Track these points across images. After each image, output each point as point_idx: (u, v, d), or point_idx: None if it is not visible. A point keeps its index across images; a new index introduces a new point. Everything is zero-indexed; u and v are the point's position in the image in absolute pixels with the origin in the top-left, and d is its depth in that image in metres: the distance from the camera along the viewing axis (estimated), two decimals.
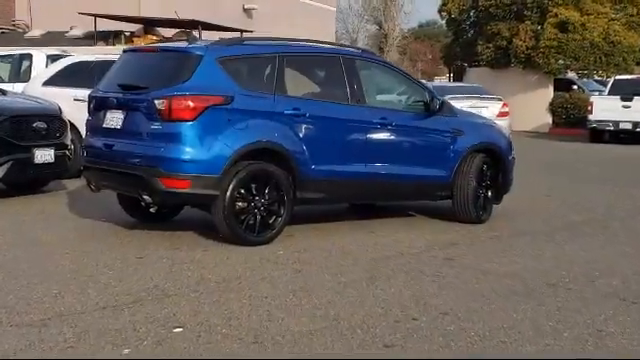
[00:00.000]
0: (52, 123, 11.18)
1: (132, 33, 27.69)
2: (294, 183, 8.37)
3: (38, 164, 10.90)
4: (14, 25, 33.80)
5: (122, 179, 8.18)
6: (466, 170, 9.47)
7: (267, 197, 8.15)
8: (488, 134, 9.92)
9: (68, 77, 13.63)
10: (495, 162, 9.86)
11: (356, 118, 8.76)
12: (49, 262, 7.28)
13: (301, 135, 8.36)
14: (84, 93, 12.07)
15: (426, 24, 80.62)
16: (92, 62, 13.68)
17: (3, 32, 32.03)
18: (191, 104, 7.79)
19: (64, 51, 17.72)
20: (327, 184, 8.58)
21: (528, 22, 31.45)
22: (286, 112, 8.30)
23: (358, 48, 9.91)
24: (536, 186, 13.36)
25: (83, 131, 12.32)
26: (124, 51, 9.05)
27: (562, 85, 33.00)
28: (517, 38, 31.23)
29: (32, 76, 15.83)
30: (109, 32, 26.62)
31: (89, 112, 8.82)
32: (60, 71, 13.85)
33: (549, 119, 31.46)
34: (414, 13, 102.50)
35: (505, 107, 21.31)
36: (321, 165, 8.49)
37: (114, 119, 8.31)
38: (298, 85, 8.83)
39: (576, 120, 29.85)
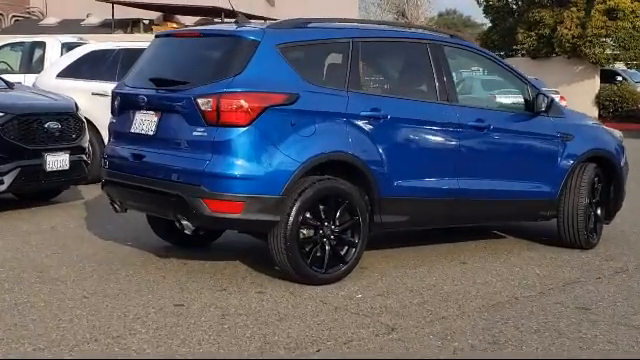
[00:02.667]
0: (67, 122, 9.44)
1: (151, 21, 26.30)
2: (371, 204, 6.59)
3: (50, 172, 9.17)
4: (28, 13, 32.34)
5: (155, 199, 6.41)
6: (576, 184, 7.64)
7: (338, 222, 6.39)
8: (599, 138, 8.09)
9: (86, 68, 11.92)
10: (607, 172, 8.03)
11: (447, 120, 6.97)
12: (60, 312, 5.54)
13: (380, 143, 6.59)
14: (104, 87, 10.91)
15: (446, 13, 78.56)
16: (114, 51, 11.95)
17: (17, 20, 30.57)
18: (245, 104, 6.01)
19: (81, 38, 16.00)
20: (412, 204, 6.80)
21: (574, 9, 29.50)
22: (362, 114, 6.52)
23: (445, 32, 8.03)
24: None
25: (103, 131, 10.92)
26: (156, 36, 7.26)
27: (605, 76, 31.04)
28: (562, 26, 29.32)
29: (45, 67, 14.08)
30: (127, 20, 25.09)
31: (113, 112, 7.04)
32: (77, 61, 12.10)
33: (595, 113, 29.50)
34: (435, 2, 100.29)
35: (563, 101, 19.45)
36: (405, 180, 6.70)
37: (145, 123, 6.54)
38: (376, 79, 7.04)
39: (625, 114, 27.91)
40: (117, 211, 7.01)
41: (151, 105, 6.51)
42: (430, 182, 6.87)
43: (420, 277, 6.65)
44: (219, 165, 6.03)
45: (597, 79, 30.19)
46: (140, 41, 12.26)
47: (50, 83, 11.63)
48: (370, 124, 6.56)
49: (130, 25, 25.78)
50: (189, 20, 25.74)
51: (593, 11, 28.75)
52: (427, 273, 6.77)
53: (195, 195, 6.07)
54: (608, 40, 28.78)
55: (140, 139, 6.58)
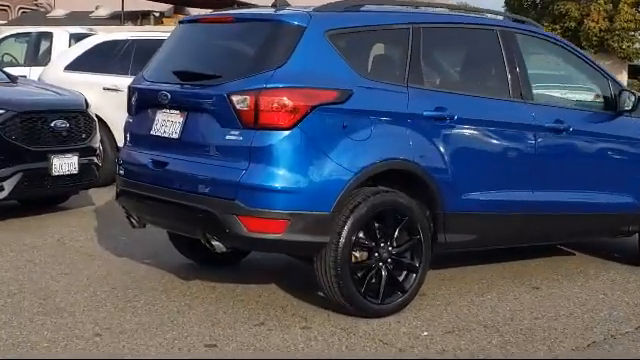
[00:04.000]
0: (76, 121, 8.44)
1: (162, 13, 25.40)
2: (434, 221, 5.57)
3: (57, 176, 8.17)
4: (36, 4, 31.44)
5: (180, 215, 5.41)
6: None
7: (396, 243, 5.38)
8: None
9: (96, 60, 10.87)
10: None
11: (522, 121, 5.95)
12: (67, 354, 4.52)
13: (446, 148, 5.58)
14: (117, 81, 10.06)
15: (457, 6, 77.42)
16: (127, 41, 10.95)
17: (25, 12, 29.69)
18: (289, 103, 5.00)
19: (91, 29, 14.98)
20: (481, 220, 5.79)
21: (601, 1, 28.40)
22: (425, 113, 5.50)
23: (515, 17, 6.98)
24: None
25: (115, 131, 9.98)
26: (180, 22, 6.23)
27: (633, 71, 29.97)
28: (588, 19, 28.26)
29: (52, 59, 13.08)
30: (137, 12, 24.19)
31: (129, 111, 6.04)
32: (86, 52, 11.06)
33: None
34: None
35: None
36: (474, 192, 5.70)
37: (168, 124, 5.54)
38: (440, 72, 6.01)
39: None
40: (134, 227, 6.00)
41: (175, 103, 5.50)
42: (502, 194, 5.85)
43: (491, 307, 5.63)
44: (257, 176, 5.02)
45: (625, 74, 29.11)
46: (155, 31, 11.20)
47: (57, 77, 10.61)
48: (434, 126, 5.55)
49: (140, 17, 24.87)
50: (200, 13, 24.72)
51: (621, 4, 27.67)
52: (498, 302, 5.75)
53: (228, 211, 5.06)
54: (637, 34, 27.67)
55: (162, 143, 5.58)
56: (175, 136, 5.47)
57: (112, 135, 10.34)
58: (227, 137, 5.15)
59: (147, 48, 10.55)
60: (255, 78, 5.12)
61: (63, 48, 13.44)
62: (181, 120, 5.46)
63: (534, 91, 6.09)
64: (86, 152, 8.49)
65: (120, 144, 10.36)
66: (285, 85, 5.08)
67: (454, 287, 6.07)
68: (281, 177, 5.02)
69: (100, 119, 9.39)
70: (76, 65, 10.93)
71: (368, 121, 5.27)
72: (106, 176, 9.38)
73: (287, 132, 5.02)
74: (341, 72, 5.27)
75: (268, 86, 5.05)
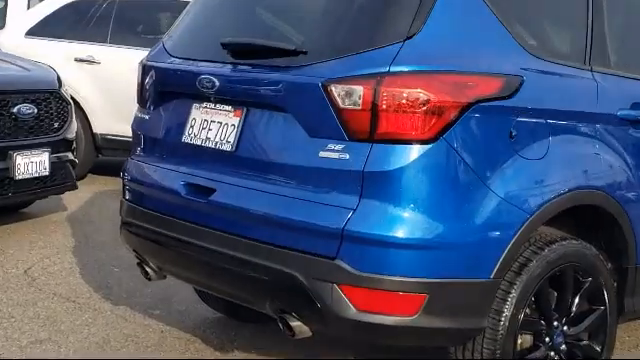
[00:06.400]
0: (46, 105, 6.33)
1: None
2: (620, 279, 3.61)
3: (22, 180, 6.00)
4: None
5: (235, 275, 3.35)
6: None
7: (574, 317, 3.38)
8: None
9: (66, 23, 8.76)
10: None
11: None
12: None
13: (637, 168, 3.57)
14: (92, 50, 8.41)
15: None
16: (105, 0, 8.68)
17: None
18: (430, 97, 3.00)
19: None
20: None
21: None
22: (620, 114, 3.51)
23: None
24: None
25: (91, 112, 8.21)
26: None
27: None
28: None
29: (7, 22, 10.76)
30: None
31: (142, 102, 3.97)
32: (54, 13, 8.84)
33: None
34: None
35: None
36: None
37: (214, 126, 3.50)
38: (630, 47, 3.96)
39: None
40: (148, 278, 3.92)
41: (227, 94, 3.45)
42: None
43: None
44: (375, 220, 3.02)
45: None
46: None
47: (16, 44, 8.47)
48: (627, 133, 3.55)
49: None
50: None
51: None
52: None
53: (323, 276, 3.08)
54: None
55: (203, 156, 3.53)
56: (227, 147, 3.42)
57: (87, 120, 8.23)
58: (321, 154, 3.11)
59: (133, 9, 8.57)
60: (369, 56, 3.10)
61: (22, 8, 11.12)
62: (237, 122, 3.41)
63: None
64: (59, 147, 6.43)
65: (98, 130, 8.49)
66: (421, 68, 3.07)
67: None
68: (416, 223, 3.01)
69: (72, 99, 7.21)
70: (40, 29, 8.77)
71: (543, 127, 3.28)
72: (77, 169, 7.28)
73: (425, 147, 3.01)
74: (502, 46, 3.25)
75: (393, 70, 3.03)
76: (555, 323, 3.40)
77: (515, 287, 3.19)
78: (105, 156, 8.80)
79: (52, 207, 7.14)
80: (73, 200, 7.28)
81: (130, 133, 7.50)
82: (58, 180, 6.44)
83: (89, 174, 8.45)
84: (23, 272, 5.39)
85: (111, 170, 8.81)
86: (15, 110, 6.01)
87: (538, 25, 3.53)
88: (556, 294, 3.42)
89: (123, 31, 8.54)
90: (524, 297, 3.22)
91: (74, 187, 6.66)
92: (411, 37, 3.10)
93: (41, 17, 8.88)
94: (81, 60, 8.41)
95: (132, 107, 8.02)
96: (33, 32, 8.78)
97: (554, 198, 3.23)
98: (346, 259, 3.03)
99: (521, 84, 3.19)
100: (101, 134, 8.40)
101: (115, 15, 8.54)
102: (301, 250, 3.13)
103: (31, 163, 6.09)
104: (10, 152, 5.96)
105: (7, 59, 6.79)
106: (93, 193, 7.81)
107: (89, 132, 8.29)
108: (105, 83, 8.29)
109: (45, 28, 8.75)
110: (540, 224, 3.24)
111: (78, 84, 8.12)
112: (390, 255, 3.02)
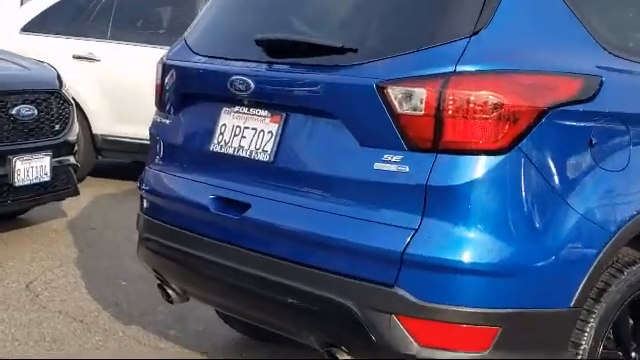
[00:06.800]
0: (47, 106, 5.92)
1: None
2: None
3: (22, 187, 5.61)
4: None
5: (274, 301, 2.94)
6: None
7: None
8: None
9: (64, 19, 8.41)
10: None
11: None
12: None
13: None
14: (91, 47, 8.08)
15: None
16: None
17: None
18: (503, 102, 2.56)
19: None
20: None
21: None
22: None
23: None
24: None
25: (91, 113, 7.89)
26: None
27: None
28: None
29: (0, 17, 10.36)
30: None
31: (161, 105, 3.56)
32: (51, 8, 8.47)
33: None
34: None
35: None
36: None
37: (248, 134, 3.12)
38: None
39: None
40: (170, 301, 3.52)
41: (264, 97, 3.06)
42: None
43: None
44: (442, 241, 2.65)
45: None
46: None
47: (10, 41, 8.05)
48: None
49: None
50: None
51: None
52: None
53: (379, 306, 2.70)
54: None
55: (235, 167, 3.15)
56: (263, 157, 3.02)
57: (86, 120, 7.87)
58: (376, 166, 2.73)
59: (136, 2, 8.24)
60: (432, 54, 2.72)
61: (14, 3, 10.77)
62: (274, 128, 3.01)
63: None
64: (61, 150, 6.05)
65: (98, 131, 8.11)
66: (491, 68, 2.68)
67: None
68: (487, 245, 2.64)
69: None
70: (37, 25, 8.41)
71: (624, 134, 2.90)
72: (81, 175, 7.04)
73: (498, 158, 2.63)
74: (578, 43, 2.87)
75: (460, 69, 2.63)
76: (633, 354, 3.03)
77: (594, 316, 2.81)
78: (105, 158, 8.42)
79: (51, 213, 6.74)
80: (73, 205, 6.88)
81: (131, 134, 7.16)
82: (59, 186, 6.07)
83: (88, 176, 8.06)
84: (25, 287, 5.01)
85: (111, 172, 8.47)
86: (14, 112, 5.63)
87: (617, 21, 3.15)
88: (631, 322, 3.05)
89: (125, 26, 8.21)
90: (603, 327, 2.85)
91: (76, 193, 6.27)
92: (478, 32, 2.72)
93: (37, 12, 8.53)
94: (80, 57, 8.07)
95: (134, 107, 7.87)
96: (29, 28, 8.43)
97: (637, 214, 2.85)
98: (406, 287, 2.65)
99: (600, 85, 2.81)
100: (101, 135, 8.05)
101: (116, 9, 8.22)
102: (353, 276, 2.75)
103: (31, 168, 5.71)
104: (9, 157, 5.58)
105: (5, 57, 6.39)
106: (93, 197, 7.44)
107: (88, 133, 7.91)
108: (105, 81, 7.96)
109: (42, 24, 8.40)
110: (623, 244, 2.86)
111: (77, 83, 7.74)
112: (458, 282, 2.64)
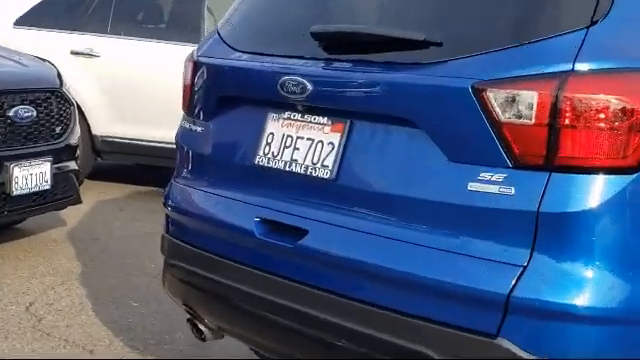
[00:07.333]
0: (47, 107, 5.44)
1: None
2: None
3: (20, 196, 5.13)
4: None
5: (331, 346, 2.48)
6: None
7: None
8: None
9: (60, 12, 7.99)
10: None
11: None
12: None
13: None
14: (90, 42, 7.68)
15: None
16: None
17: None
18: (636, 107, 2.07)
19: None
20: None
21: None
22: None
23: None
24: None
25: (90, 112, 7.42)
26: None
27: None
28: None
29: None
30: None
31: (189, 110, 3.02)
32: (46, 1, 8.03)
33: None
34: None
35: None
36: None
37: (303, 145, 2.61)
38: None
39: None
40: (203, 339, 3.00)
41: (322, 101, 2.55)
42: None
43: None
44: (558, 282, 2.15)
45: None
46: None
47: (4, 36, 7.62)
48: None
49: None
50: None
51: None
52: None
53: None
54: None
55: (287, 184, 2.66)
56: (323, 173, 2.51)
57: (85, 120, 7.50)
58: (471, 186, 2.23)
59: None
60: (541, 49, 2.24)
61: None
62: (336, 139, 2.50)
63: None
64: (62, 155, 5.58)
65: (98, 132, 7.66)
66: (616, 66, 2.17)
67: None
68: (618, 288, 2.15)
69: None
70: (31, 18, 7.98)
71: None
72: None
73: (628, 179, 2.13)
74: None
75: (579, 68, 2.13)
76: None
77: None
78: (105, 160, 7.97)
79: (50, 222, 6.25)
80: (72, 212, 6.38)
81: (133, 135, 6.61)
82: (60, 194, 5.60)
83: (86, 180, 7.57)
84: (25, 309, 4.51)
85: (111, 175, 8.02)
86: (11, 113, 5.13)
87: None
88: None
89: (126, 20, 7.81)
90: None
91: (78, 201, 5.79)
92: (596, 22, 2.21)
93: (32, 4, 8.09)
94: (78, 53, 7.64)
95: (136, 106, 7.38)
96: (22, 21, 7.99)
97: None
98: (513, 338, 2.15)
99: None
100: (101, 136, 7.61)
101: (117, 1, 7.80)
102: (441, 322, 2.24)
103: (30, 175, 5.22)
104: (6, 163, 5.10)
105: (1, 53, 5.87)
106: (94, 203, 6.95)
107: (87, 134, 7.47)
108: (105, 79, 7.54)
109: (37, 17, 7.96)
110: None
111: (75, 80, 7.27)
112: (579, 333, 2.14)
